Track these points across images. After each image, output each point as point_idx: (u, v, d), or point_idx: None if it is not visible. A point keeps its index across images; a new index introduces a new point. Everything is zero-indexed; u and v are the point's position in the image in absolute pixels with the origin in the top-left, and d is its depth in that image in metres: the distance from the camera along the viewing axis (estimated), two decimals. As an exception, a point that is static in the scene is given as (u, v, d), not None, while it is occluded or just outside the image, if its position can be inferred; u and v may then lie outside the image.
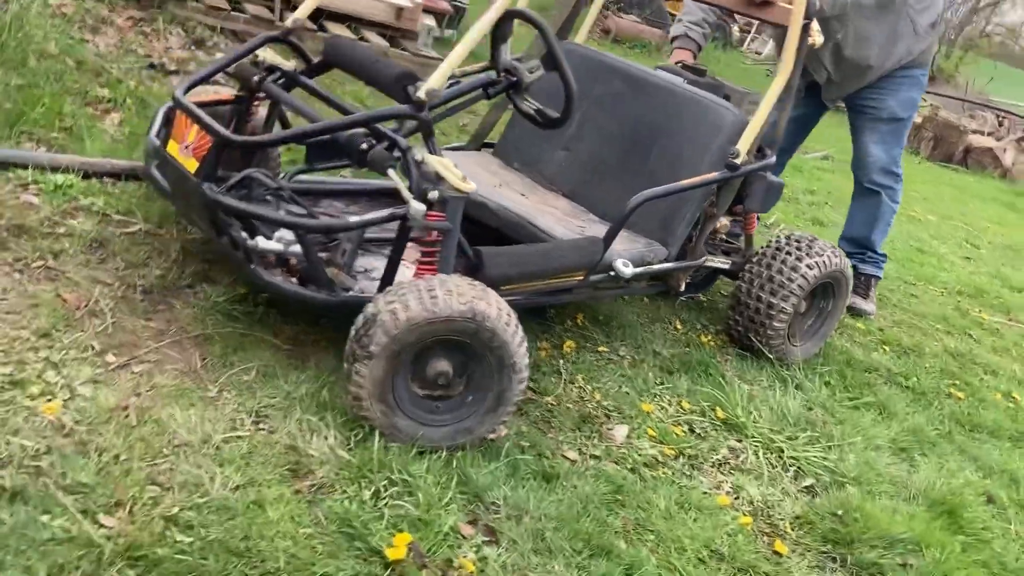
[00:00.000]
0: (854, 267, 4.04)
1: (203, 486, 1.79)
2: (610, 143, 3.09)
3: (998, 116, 12.74)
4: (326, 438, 2.03)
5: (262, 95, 2.56)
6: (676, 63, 3.44)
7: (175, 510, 1.71)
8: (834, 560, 2.26)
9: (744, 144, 2.77)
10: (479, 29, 2.26)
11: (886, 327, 3.95)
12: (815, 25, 2.96)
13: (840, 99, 3.83)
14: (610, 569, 1.92)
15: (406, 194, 2.13)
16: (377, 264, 2.56)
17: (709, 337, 3.24)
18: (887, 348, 3.70)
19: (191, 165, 2.20)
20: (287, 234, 2.21)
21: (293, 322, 2.44)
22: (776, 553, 2.20)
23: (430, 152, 2.23)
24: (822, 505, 2.44)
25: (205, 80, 2.51)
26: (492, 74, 2.48)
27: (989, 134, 11.96)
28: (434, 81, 2.21)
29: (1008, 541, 2.55)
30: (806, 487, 2.55)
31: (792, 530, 2.32)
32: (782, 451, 2.65)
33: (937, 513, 2.51)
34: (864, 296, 4.01)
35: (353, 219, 2.15)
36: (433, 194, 2.15)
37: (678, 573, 1.99)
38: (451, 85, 2.45)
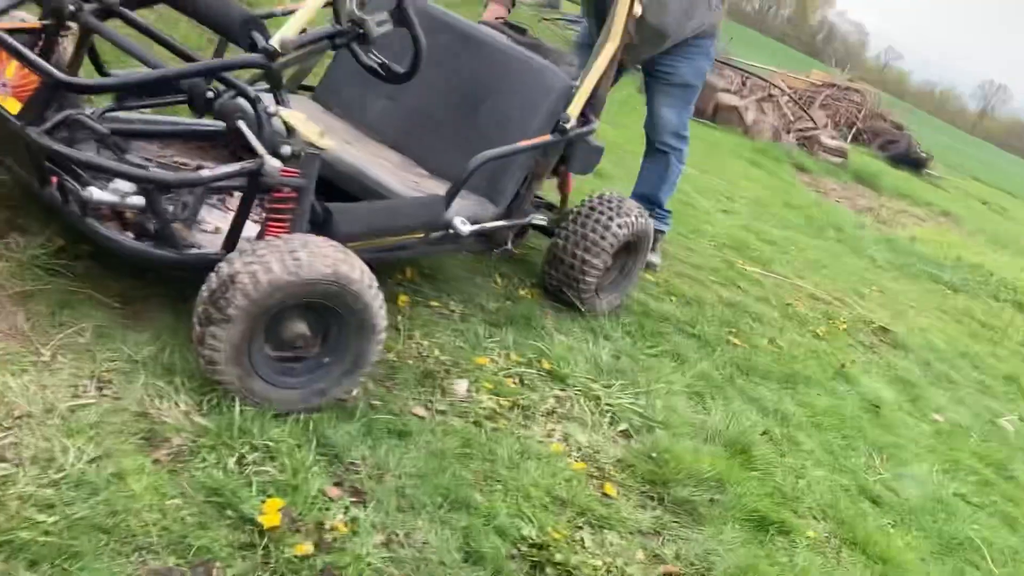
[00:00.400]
0: (643, 223, 4.36)
1: (56, 460, 1.69)
2: (437, 97, 3.11)
3: (741, 76, 13.86)
4: (177, 404, 1.96)
5: (71, 27, 2.33)
6: (496, 19, 3.49)
7: (31, 488, 1.60)
8: (652, 499, 2.49)
9: (574, 109, 2.89)
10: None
11: (670, 278, 4.29)
12: (635, -5, 3.12)
13: (638, 63, 4.05)
14: (471, 521, 2.02)
15: (259, 148, 2.06)
16: (207, 216, 2.45)
17: (527, 291, 3.39)
18: (673, 298, 4.03)
19: (12, 106, 1.99)
20: (123, 184, 2.07)
21: (119, 277, 2.30)
22: (606, 495, 2.40)
23: (278, 103, 2.16)
24: (638, 448, 2.67)
25: (10, 7, 2.25)
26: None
27: (735, 92, 13.00)
28: (288, 29, 2.13)
29: (784, 472, 2.92)
30: (621, 431, 2.77)
31: (616, 473, 2.53)
32: (599, 399, 2.85)
33: (733, 452, 2.82)
34: (652, 249, 4.33)
35: (205, 173, 2.05)
36: (286, 149, 2.10)
37: (528, 519, 2.12)
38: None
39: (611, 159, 6.34)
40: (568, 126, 2.89)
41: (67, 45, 2.48)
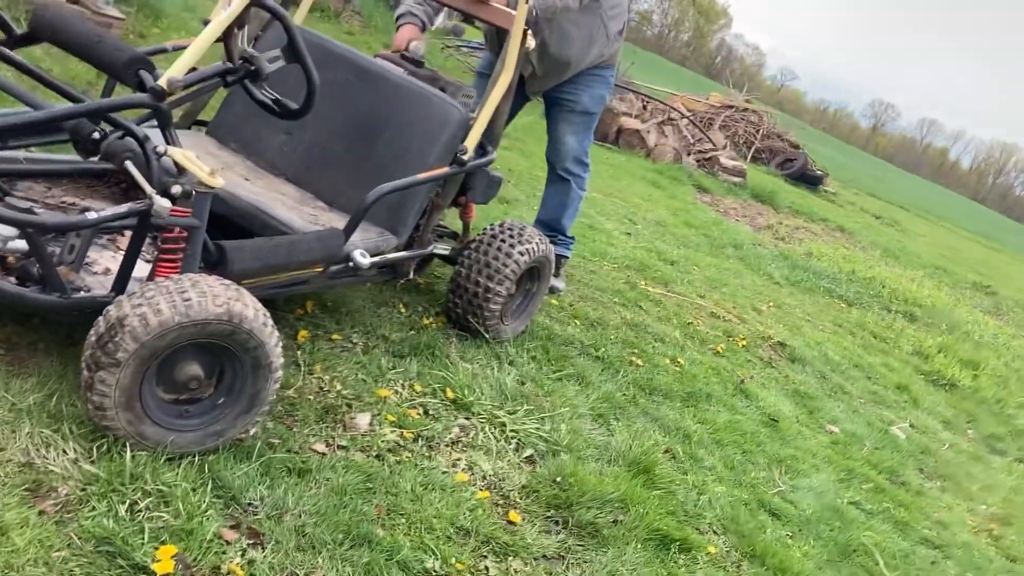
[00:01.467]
0: (547, 249, 4.42)
1: (-69, 518, 1.62)
2: (336, 131, 3.11)
3: (642, 100, 14.21)
4: (65, 452, 1.91)
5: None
6: (410, 42, 3.49)
7: (-97, 551, 1.53)
8: (557, 523, 2.52)
9: (471, 141, 2.94)
10: (224, 19, 2.19)
11: (575, 302, 4.36)
12: (530, 31, 3.19)
13: (540, 92, 4.13)
14: (373, 557, 2.02)
15: (148, 188, 2.03)
16: (96, 256, 2.40)
17: (431, 319, 3.40)
18: (578, 321, 4.10)
19: None
20: (4, 229, 2.01)
21: (2, 323, 2.22)
22: (511, 523, 2.42)
23: (168, 142, 2.14)
24: (542, 473, 2.70)
25: None
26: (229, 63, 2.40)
27: (636, 116, 13.31)
28: (175, 70, 2.11)
29: (687, 490, 3.00)
30: (527, 457, 2.79)
31: (521, 499, 2.55)
32: (504, 425, 2.88)
33: (635, 472, 2.88)
34: (556, 275, 4.40)
35: (90, 216, 2.00)
36: (176, 188, 2.07)
37: (431, 552, 2.12)
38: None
39: (517, 186, 6.45)
40: (466, 157, 2.93)
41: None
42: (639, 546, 2.51)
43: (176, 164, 2.09)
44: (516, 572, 2.22)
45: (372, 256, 2.79)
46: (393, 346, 3.07)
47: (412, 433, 2.61)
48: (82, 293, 2.10)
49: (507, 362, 3.31)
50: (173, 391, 2.05)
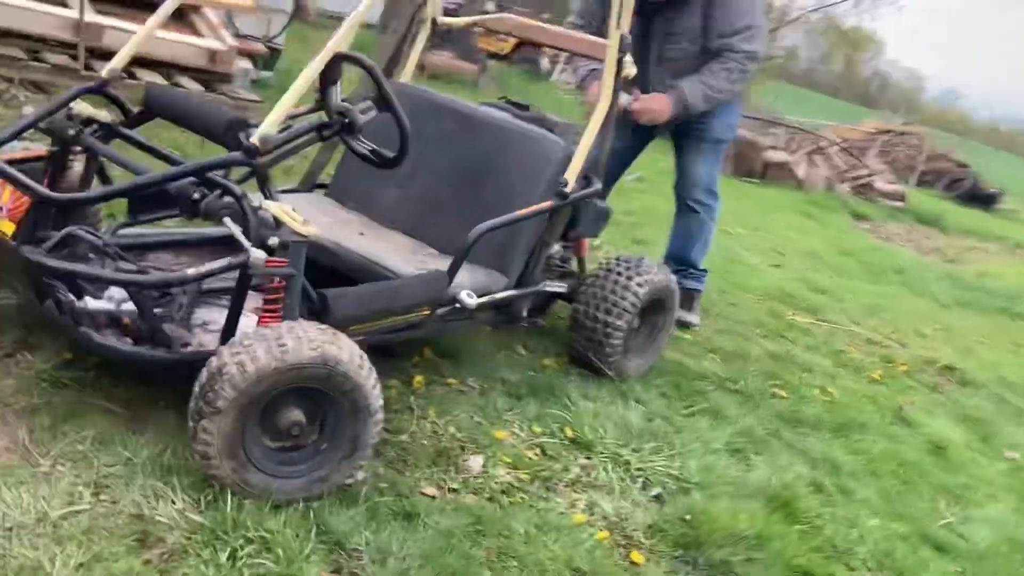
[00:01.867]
0: (678, 282, 4.28)
1: (42, 568, 1.68)
2: (443, 179, 3.14)
3: (789, 132, 13.80)
4: (174, 502, 1.95)
5: (77, 149, 2.44)
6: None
7: (15, 598, 1.59)
8: (687, 563, 2.37)
9: (572, 173, 2.89)
10: (308, 73, 2.26)
11: (711, 335, 4.18)
12: (628, 58, 3.13)
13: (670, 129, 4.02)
14: (480, 601, 1.94)
15: (244, 241, 2.09)
16: (215, 316, 2.48)
17: (552, 360, 3.33)
18: (714, 355, 3.92)
19: (7, 228, 2.07)
20: (117, 292, 2.12)
21: (128, 385, 2.33)
22: (633, 563, 2.29)
23: (267, 197, 2.20)
24: (671, 512, 2.56)
25: (15, 136, 2.37)
26: (323, 116, 2.46)
27: (783, 149, 12.91)
28: (267, 127, 2.18)
29: (836, 524, 2.76)
30: (655, 496, 2.65)
31: (646, 539, 2.41)
32: (629, 464, 2.75)
33: (774, 508, 2.68)
34: (689, 309, 4.24)
35: (190, 271, 2.08)
36: (273, 240, 2.12)
37: (545, 595, 2.03)
38: (283, 129, 2.42)
39: (656, 227, 6.31)
40: (567, 190, 2.88)
41: (79, 167, 2.59)
42: (778, 586, 2.32)
43: (274, 218, 2.14)
44: (637, 614, 2.09)
45: (480, 296, 2.77)
46: (511, 387, 3.02)
47: (528, 474, 2.54)
48: (190, 348, 2.17)
49: (633, 399, 3.18)
50: (278, 439, 2.07)
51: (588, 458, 2.73)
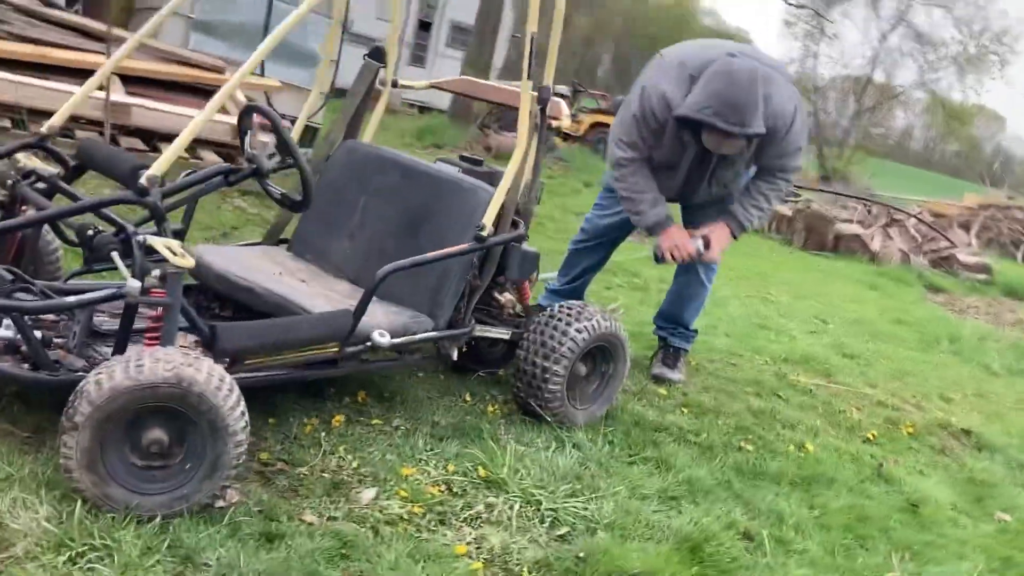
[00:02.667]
0: (664, 340, 4.26)
1: None
2: (388, 229, 3.27)
3: (866, 205, 13.50)
4: (36, 512, 2.08)
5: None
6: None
7: None
8: (565, 598, 2.34)
9: (488, 218, 2.97)
10: (201, 119, 2.44)
11: (693, 392, 4.11)
12: (564, 109, 3.24)
13: None
14: (306, 616, 1.98)
15: (125, 272, 2.25)
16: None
17: (496, 407, 3.37)
18: (686, 410, 3.86)
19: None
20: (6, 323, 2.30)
21: (38, 411, 2.50)
22: (503, 594, 2.28)
23: (161, 234, 2.37)
24: (567, 550, 2.53)
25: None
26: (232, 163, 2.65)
27: (859, 222, 12.62)
28: (155, 168, 2.36)
29: (753, 571, 2.66)
30: (560, 535, 2.63)
31: (528, 573, 2.39)
32: (540, 503, 2.74)
33: (679, 548, 2.61)
34: (671, 367, 4.20)
35: (69, 299, 2.25)
36: (155, 272, 2.28)
37: (386, 616, 2.05)
38: (189, 173, 2.61)
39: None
40: (484, 233, 2.96)
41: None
42: (648, 620, 2.26)
43: (156, 251, 2.30)
44: (483, 641, 2.07)
45: (396, 337, 2.85)
46: (438, 430, 3.06)
47: (423, 507, 2.56)
48: (78, 373, 2.33)
49: (571, 445, 3.17)
50: (145, 457, 2.18)
51: (496, 497, 2.74)
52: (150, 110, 5.02)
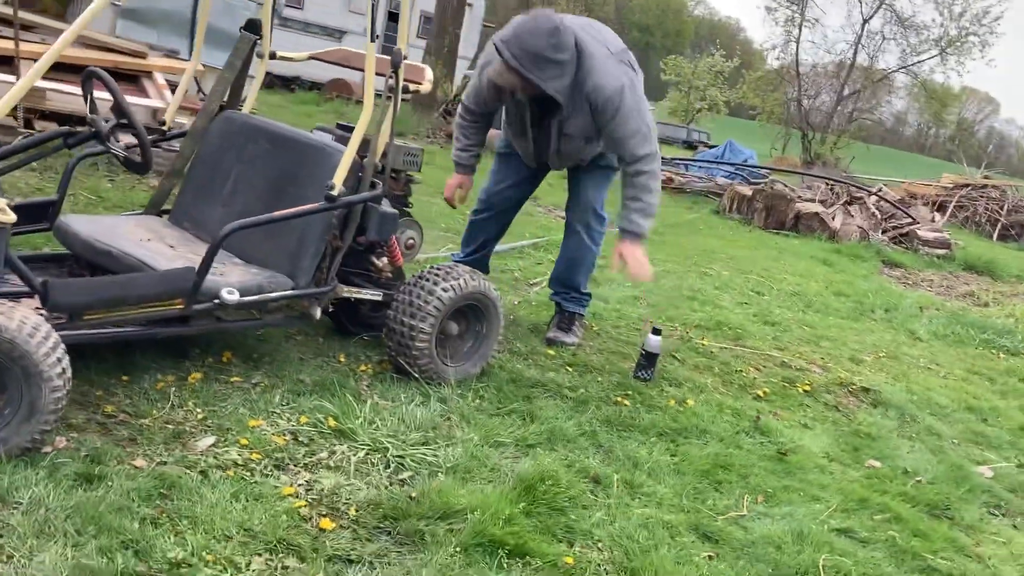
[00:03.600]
0: (558, 304, 4.35)
1: None
2: (257, 195, 3.35)
3: (828, 184, 13.57)
4: None
5: None
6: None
7: None
8: (384, 532, 2.41)
9: (338, 178, 3.05)
10: (27, 81, 2.52)
11: (583, 353, 4.19)
12: (427, 74, 3.32)
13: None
14: (107, 543, 2.06)
15: (-55, 229, 2.34)
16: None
17: (369, 366, 3.45)
18: (570, 368, 3.94)
19: None
20: None
21: None
22: (322, 530, 2.35)
23: (-8, 195, 2.45)
24: (401, 492, 2.61)
25: None
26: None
27: (821, 201, 12.69)
28: (-21, 129, 2.45)
29: (591, 511, 2.74)
30: (401, 479, 2.71)
31: (355, 512, 2.47)
32: (388, 451, 2.82)
33: (511, 488, 2.70)
34: (566, 330, 4.28)
35: None
36: (-22, 227, 2.37)
37: (187, 544, 2.12)
38: (27, 136, 2.69)
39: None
40: (334, 193, 3.03)
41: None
42: (458, 550, 2.34)
43: (-18, 208, 2.39)
44: (288, 569, 2.16)
45: (248, 296, 2.93)
46: (299, 387, 3.14)
47: (261, 454, 2.65)
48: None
49: (436, 399, 3.26)
50: (-36, 403, 2.27)
51: (342, 445, 2.82)
52: (65, 94, 5.09)
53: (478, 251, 4.47)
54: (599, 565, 2.48)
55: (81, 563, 1.98)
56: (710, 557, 2.65)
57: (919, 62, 33.59)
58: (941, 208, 18.45)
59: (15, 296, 2.64)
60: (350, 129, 3.61)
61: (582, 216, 4.22)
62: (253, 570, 2.12)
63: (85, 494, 2.24)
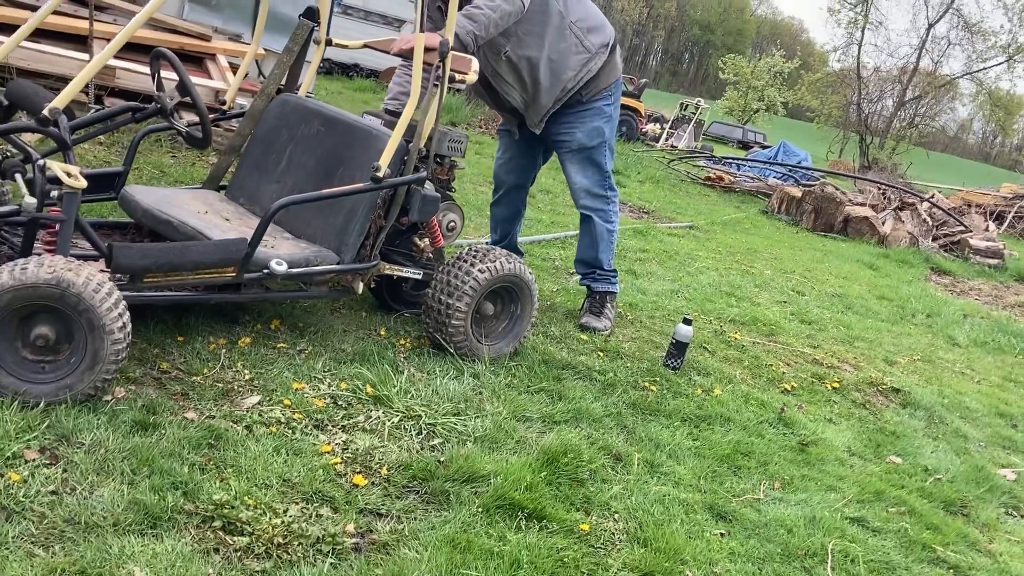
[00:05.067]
0: (588, 287, 4.48)
1: None
2: (309, 174, 3.54)
3: (880, 189, 13.46)
4: (-63, 393, 2.38)
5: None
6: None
7: None
8: (412, 491, 2.58)
9: (384, 160, 3.21)
10: (101, 59, 2.72)
11: (616, 341, 4.31)
12: (473, 64, 3.47)
13: (540, 125, 4.24)
14: (160, 482, 2.25)
15: (24, 191, 2.55)
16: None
17: (408, 340, 3.62)
18: (602, 353, 4.07)
19: None
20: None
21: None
22: (354, 485, 2.53)
23: (66, 161, 2.66)
24: (431, 456, 2.77)
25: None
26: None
27: (872, 206, 12.61)
28: (57, 101, 2.65)
29: (612, 485, 2.88)
30: (432, 445, 2.87)
31: (386, 471, 2.64)
32: (420, 418, 2.99)
33: (535, 458, 2.84)
34: (597, 315, 4.41)
35: (-26, 213, 2.56)
36: (53, 192, 2.57)
37: (231, 489, 2.31)
38: (99, 110, 2.90)
39: (666, 264, 6.45)
40: (379, 174, 3.20)
41: None
42: (480, 509, 2.49)
43: (55, 175, 2.60)
44: (318, 516, 2.33)
45: (295, 268, 3.11)
46: (341, 355, 3.32)
47: (303, 415, 2.83)
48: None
49: (470, 375, 3.41)
50: (37, 352, 2.48)
51: (379, 411, 2.99)
52: (134, 73, 5.34)
53: (501, 238, 4.65)
54: (613, 534, 2.61)
55: (136, 498, 2.17)
56: (722, 535, 2.77)
57: (984, 69, 32.92)
58: (999, 218, 18.16)
59: (83, 259, 2.85)
60: (398, 115, 3.79)
61: (579, 200, 4.40)
62: (290, 515, 2.29)
63: (141, 439, 2.43)
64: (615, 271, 4.50)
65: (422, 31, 3.17)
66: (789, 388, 4.30)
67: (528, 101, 4.12)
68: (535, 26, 3.93)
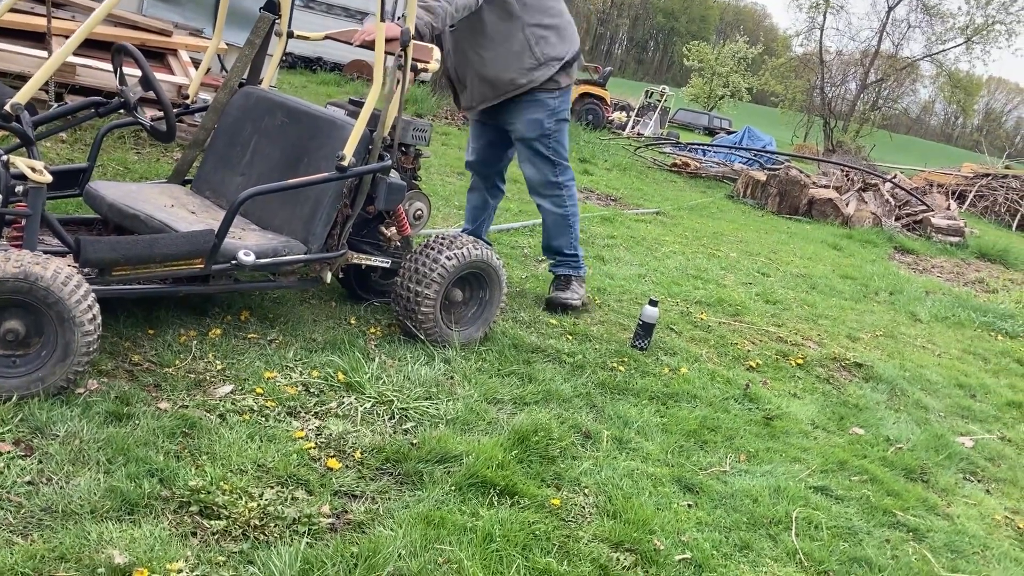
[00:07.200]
0: (552, 270, 4.56)
1: None
2: (273, 165, 3.56)
3: (844, 171, 13.65)
4: (-92, 390, 2.39)
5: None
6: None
7: None
8: (385, 472, 2.63)
9: (348, 149, 3.25)
10: (62, 54, 2.74)
11: (584, 324, 4.38)
12: (435, 54, 3.51)
13: (474, 109, 4.35)
14: (135, 470, 2.28)
15: (-10, 188, 2.56)
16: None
17: (378, 329, 3.66)
18: (570, 336, 4.14)
19: None
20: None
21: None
22: (329, 468, 2.57)
23: (31, 157, 2.67)
24: (403, 439, 2.82)
25: None
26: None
27: (835, 188, 12.79)
28: (19, 96, 2.66)
29: (582, 462, 2.94)
30: (404, 429, 2.92)
31: (359, 455, 2.69)
32: (392, 403, 3.03)
33: (507, 438, 2.90)
34: (564, 289, 4.48)
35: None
36: (19, 188, 2.59)
37: (207, 475, 2.34)
38: (61, 104, 2.91)
39: (633, 250, 6.50)
40: (344, 164, 3.23)
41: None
42: (453, 488, 2.55)
43: (20, 171, 2.61)
44: (292, 499, 2.37)
45: (263, 258, 3.14)
46: (313, 344, 3.36)
47: (275, 402, 2.86)
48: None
49: (441, 361, 3.46)
50: (7, 348, 2.50)
51: (351, 397, 3.03)
52: (94, 70, 5.32)
53: (474, 225, 4.72)
54: (583, 508, 2.68)
55: (113, 486, 2.20)
56: (689, 506, 2.85)
57: (944, 50, 33.41)
58: (961, 197, 18.49)
59: (51, 255, 2.87)
60: (361, 104, 3.82)
61: (530, 190, 4.49)
62: (265, 499, 2.33)
63: (115, 430, 2.46)
64: (576, 255, 4.55)
65: (382, 21, 3.21)
66: (754, 365, 4.39)
67: (466, 88, 4.19)
68: (487, 25, 3.99)
